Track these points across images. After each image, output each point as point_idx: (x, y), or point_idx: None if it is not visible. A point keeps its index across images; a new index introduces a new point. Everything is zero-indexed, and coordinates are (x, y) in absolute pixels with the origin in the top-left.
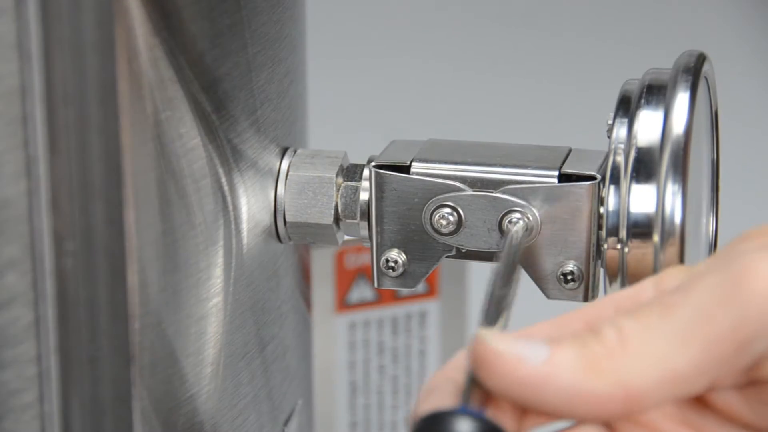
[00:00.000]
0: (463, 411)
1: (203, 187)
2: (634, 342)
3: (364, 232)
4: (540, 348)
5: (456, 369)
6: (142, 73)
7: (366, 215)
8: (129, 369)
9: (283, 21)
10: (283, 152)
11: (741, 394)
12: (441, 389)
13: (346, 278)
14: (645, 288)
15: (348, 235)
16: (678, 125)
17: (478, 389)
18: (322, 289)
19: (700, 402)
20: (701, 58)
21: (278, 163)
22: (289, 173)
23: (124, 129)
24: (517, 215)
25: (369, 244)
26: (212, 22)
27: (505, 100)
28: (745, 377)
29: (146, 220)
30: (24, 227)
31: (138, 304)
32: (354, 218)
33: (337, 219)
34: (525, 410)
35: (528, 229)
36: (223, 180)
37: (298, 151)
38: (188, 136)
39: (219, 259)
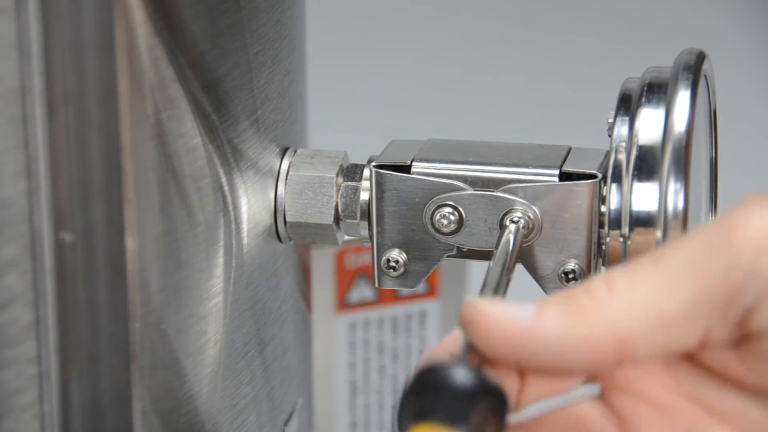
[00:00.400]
0: (458, 363)
1: (203, 187)
2: (623, 290)
3: (365, 232)
4: (527, 307)
5: (453, 341)
6: (142, 73)
7: (366, 215)
8: (129, 369)
9: (283, 21)
10: (284, 152)
11: (735, 352)
12: (438, 358)
13: (346, 278)
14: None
15: (348, 235)
16: (679, 123)
17: (474, 355)
18: (322, 289)
19: (696, 366)
20: (701, 56)
21: (278, 163)
22: (290, 173)
23: (124, 129)
24: (518, 214)
25: (369, 244)
26: (212, 22)
27: (505, 99)
28: (737, 330)
29: (146, 220)
30: (24, 227)
31: (138, 304)
32: (354, 218)
33: (337, 219)
34: (524, 376)
35: (528, 228)
36: (224, 180)
37: (299, 151)
38: (188, 136)
39: (219, 259)
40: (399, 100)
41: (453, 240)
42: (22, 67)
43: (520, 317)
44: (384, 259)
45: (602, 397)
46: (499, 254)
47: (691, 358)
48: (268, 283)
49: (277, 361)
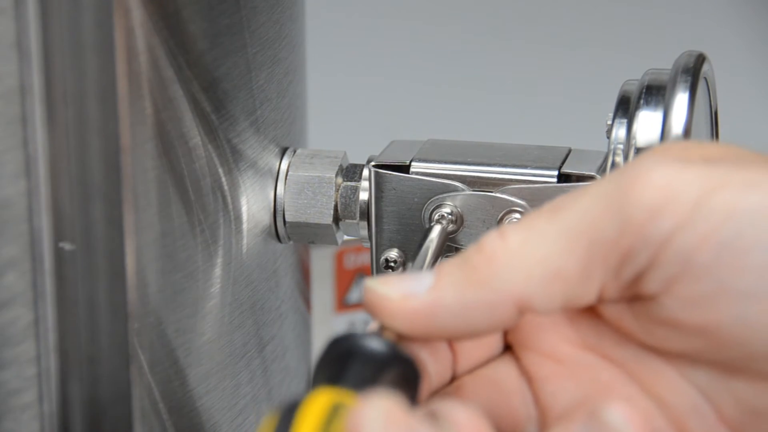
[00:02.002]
0: (370, 334)
1: (203, 187)
2: (517, 244)
3: (364, 232)
4: (424, 277)
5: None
6: (142, 73)
7: (365, 215)
8: (129, 369)
9: (282, 21)
10: (283, 152)
11: (630, 310)
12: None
13: (345, 278)
14: None
15: (348, 235)
16: (677, 126)
17: (389, 332)
18: (322, 289)
19: (597, 319)
20: (701, 59)
21: (278, 163)
22: (289, 173)
23: (124, 129)
24: (517, 215)
25: (369, 244)
26: (212, 22)
27: (505, 100)
28: (629, 291)
29: (145, 220)
30: (24, 227)
31: (138, 304)
32: (353, 218)
33: (336, 219)
34: (453, 347)
35: None
36: (223, 180)
37: (298, 151)
38: (188, 136)
39: (219, 259)
40: (399, 100)
41: (451, 240)
42: (21, 67)
43: (418, 292)
44: (383, 258)
45: (515, 357)
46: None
47: (593, 312)
48: (268, 283)
49: (276, 361)
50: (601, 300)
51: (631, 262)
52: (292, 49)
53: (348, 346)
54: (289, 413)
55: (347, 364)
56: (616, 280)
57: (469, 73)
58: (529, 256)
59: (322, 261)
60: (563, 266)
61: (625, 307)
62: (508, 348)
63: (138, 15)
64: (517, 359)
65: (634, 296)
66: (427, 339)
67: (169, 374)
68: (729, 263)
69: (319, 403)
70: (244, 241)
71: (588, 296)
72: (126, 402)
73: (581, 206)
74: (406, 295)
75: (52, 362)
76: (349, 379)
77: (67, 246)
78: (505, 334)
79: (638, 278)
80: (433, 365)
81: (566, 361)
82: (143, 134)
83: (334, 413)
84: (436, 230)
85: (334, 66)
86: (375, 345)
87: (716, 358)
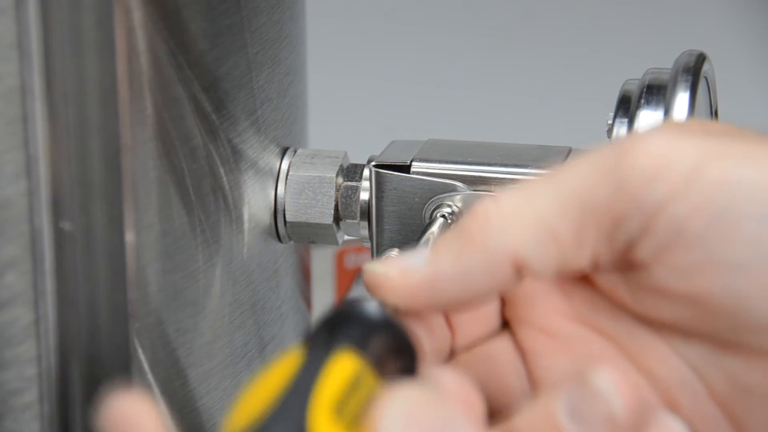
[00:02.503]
0: (371, 301)
1: (204, 187)
2: (512, 207)
3: (364, 232)
4: (421, 253)
5: None
6: (143, 73)
7: (366, 215)
8: (129, 368)
9: (283, 21)
10: (283, 152)
11: (623, 279)
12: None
13: (346, 278)
14: None
15: (348, 235)
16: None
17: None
18: (323, 289)
19: (590, 291)
20: (701, 58)
21: (278, 163)
22: (289, 173)
23: (124, 129)
24: None
25: (369, 244)
26: (212, 22)
27: (505, 99)
28: (622, 257)
29: (146, 220)
30: (24, 227)
31: (138, 304)
32: (354, 218)
33: (337, 219)
34: (451, 323)
35: None
36: (223, 180)
37: (298, 151)
38: (188, 136)
39: (219, 259)
40: (399, 100)
41: None
42: (22, 67)
43: (417, 266)
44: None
45: (512, 333)
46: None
47: (586, 283)
48: (269, 283)
49: None
50: (594, 265)
51: (623, 228)
52: (292, 49)
53: (348, 310)
54: (315, 364)
55: (344, 325)
56: (608, 246)
57: (469, 73)
58: (523, 216)
59: (322, 261)
60: (557, 228)
61: (618, 277)
62: (506, 325)
63: (138, 15)
64: (513, 335)
65: (626, 263)
66: (430, 311)
67: (170, 374)
68: (720, 234)
69: (346, 365)
70: (245, 241)
71: (581, 260)
72: None
73: (577, 171)
74: (405, 271)
75: (52, 362)
76: (342, 337)
77: (67, 226)
78: (503, 309)
79: (630, 245)
80: (431, 342)
81: (559, 335)
82: (144, 134)
83: (357, 381)
84: (438, 223)
85: (334, 66)
86: (371, 310)
87: (707, 329)
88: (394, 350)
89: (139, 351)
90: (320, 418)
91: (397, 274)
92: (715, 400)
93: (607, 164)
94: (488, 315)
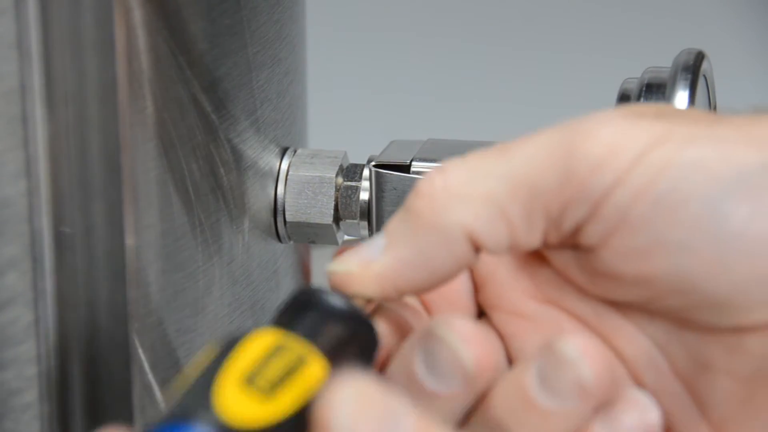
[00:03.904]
0: (329, 292)
1: (203, 186)
2: (459, 182)
3: (364, 232)
4: (376, 241)
5: None
6: (142, 73)
7: (366, 215)
8: (129, 369)
9: (282, 21)
10: (283, 152)
11: (575, 259)
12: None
13: None
14: None
15: (348, 235)
16: None
17: (367, 303)
18: None
19: (554, 273)
20: (700, 57)
21: (278, 163)
22: (289, 173)
23: (124, 129)
24: None
25: None
26: (212, 22)
27: (504, 99)
28: (570, 241)
29: (146, 220)
30: (24, 227)
31: (138, 304)
32: (354, 218)
33: (337, 219)
34: (429, 310)
35: None
36: (223, 180)
37: (298, 151)
38: (188, 136)
39: (219, 259)
40: (399, 100)
41: None
42: (22, 67)
43: (375, 256)
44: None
45: (487, 318)
46: None
47: (550, 265)
48: (269, 283)
49: None
50: (546, 246)
51: (570, 214)
52: (292, 49)
53: (308, 298)
54: (230, 345)
55: (303, 314)
56: (556, 230)
57: (469, 72)
58: (474, 193)
59: (323, 261)
60: (507, 209)
61: (570, 257)
62: (481, 313)
63: (138, 15)
64: (489, 320)
65: (575, 246)
66: (401, 296)
67: (170, 374)
68: (664, 216)
69: (262, 340)
70: (245, 241)
71: (532, 240)
72: (127, 402)
73: (527, 152)
74: (364, 264)
75: (52, 362)
76: (300, 326)
77: (66, 230)
78: (476, 297)
79: (578, 230)
80: (419, 322)
81: (531, 316)
82: (144, 134)
83: (275, 351)
84: None
85: (334, 66)
86: (335, 301)
87: (663, 309)
88: (348, 338)
89: (139, 351)
90: (226, 387)
91: (358, 268)
92: (677, 376)
93: (556, 150)
94: (464, 301)
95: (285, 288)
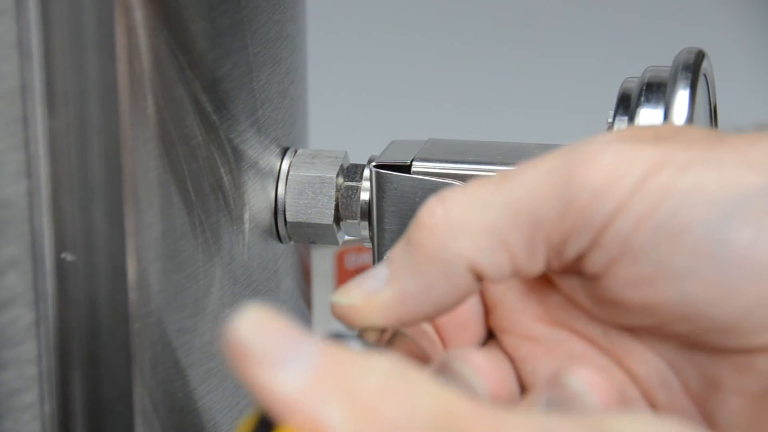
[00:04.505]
0: (355, 337)
1: (204, 187)
2: (460, 213)
3: (365, 232)
4: (379, 272)
5: None
6: (143, 73)
7: (366, 215)
8: (129, 369)
9: (283, 21)
10: (284, 152)
11: (581, 286)
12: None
13: (346, 278)
14: None
15: (348, 235)
16: (678, 122)
17: (375, 333)
18: (323, 290)
19: (563, 296)
20: (700, 56)
21: (279, 163)
22: (290, 173)
23: (125, 129)
24: None
25: (369, 244)
26: (213, 22)
27: (505, 99)
28: (573, 268)
29: (147, 220)
30: (24, 227)
31: (138, 304)
32: (354, 218)
33: (337, 219)
34: (442, 337)
35: None
36: (224, 180)
37: (299, 151)
38: (189, 137)
39: (220, 259)
40: (399, 101)
41: None
42: (22, 67)
43: (379, 288)
44: (384, 258)
45: (497, 342)
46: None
47: (557, 288)
48: (269, 283)
49: None
50: (550, 272)
51: (572, 243)
52: (293, 49)
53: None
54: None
55: None
56: (558, 258)
57: (469, 72)
58: (475, 224)
59: (322, 261)
60: (508, 239)
61: (576, 282)
62: (491, 335)
63: (139, 15)
64: (499, 343)
65: (579, 273)
66: (404, 326)
67: (170, 374)
68: (666, 244)
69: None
70: (245, 241)
71: (535, 269)
72: (127, 402)
73: (527, 180)
74: (368, 296)
75: (53, 362)
76: None
77: (68, 257)
78: (487, 320)
79: (580, 258)
80: (433, 348)
81: (541, 339)
82: (144, 134)
83: None
84: None
85: (335, 66)
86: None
87: (671, 332)
88: None
89: (140, 351)
90: None
91: (362, 301)
92: (689, 395)
93: (557, 178)
94: (474, 325)
95: (285, 288)
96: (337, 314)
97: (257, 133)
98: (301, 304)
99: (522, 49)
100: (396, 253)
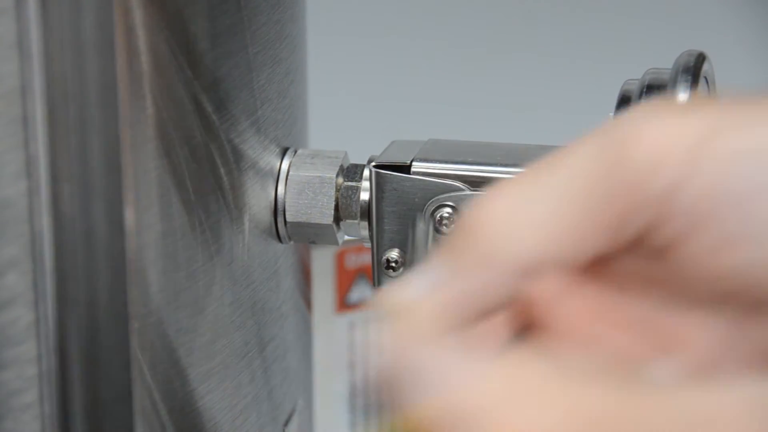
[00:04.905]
0: None
1: (204, 187)
2: (503, 213)
3: (365, 232)
4: (427, 276)
5: None
6: (143, 73)
7: (366, 215)
8: (129, 369)
9: (283, 21)
10: (284, 152)
11: (636, 264)
12: None
13: (346, 278)
14: None
15: (348, 235)
16: None
17: None
18: (322, 289)
19: (607, 282)
20: (701, 58)
21: (278, 163)
22: (290, 173)
23: (124, 129)
24: None
25: (369, 244)
26: (213, 22)
27: (505, 99)
28: (634, 247)
29: (146, 220)
30: (24, 227)
31: (138, 304)
32: (354, 218)
33: (337, 219)
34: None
35: None
36: (224, 180)
37: (299, 151)
38: (189, 137)
39: (219, 259)
40: (399, 101)
41: None
42: (22, 67)
43: (426, 294)
44: (384, 259)
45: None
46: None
47: (601, 276)
48: (269, 283)
49: (277, 362)
50: (604, 258)
51: (631, 224)
52: (293, 49)
53: None
54: None
55: None
56: (615, 240)
57: (470, 73)
58: (520, 224)
59: (322, 261)
60: (557, 232)
61: (631, 262)
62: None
63: (139, 15)
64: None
65: (638, 252)
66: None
67: (170, 374)
68: (733, 210)
69: None
70: (245, 241)
71: (587, 256)
72: (127, 402)
73: (570, 167)
74: (414, 303)
75: (53, 362)
76: None
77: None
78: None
79: (641, 237)
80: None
81: (583, 336)
82: (144, 134)
83: None
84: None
85: (334, 66)
86: None
87: (734, 301)
88: None
89: (139, 351)
90: None
91: (407, 308)
92: (749, 365)
93: (605, 160)
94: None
95: (285, 288)
96: (382, 324)
97: (257, 133)
98: (300, 304)
99: (522, 50)
100: (443, 257)
